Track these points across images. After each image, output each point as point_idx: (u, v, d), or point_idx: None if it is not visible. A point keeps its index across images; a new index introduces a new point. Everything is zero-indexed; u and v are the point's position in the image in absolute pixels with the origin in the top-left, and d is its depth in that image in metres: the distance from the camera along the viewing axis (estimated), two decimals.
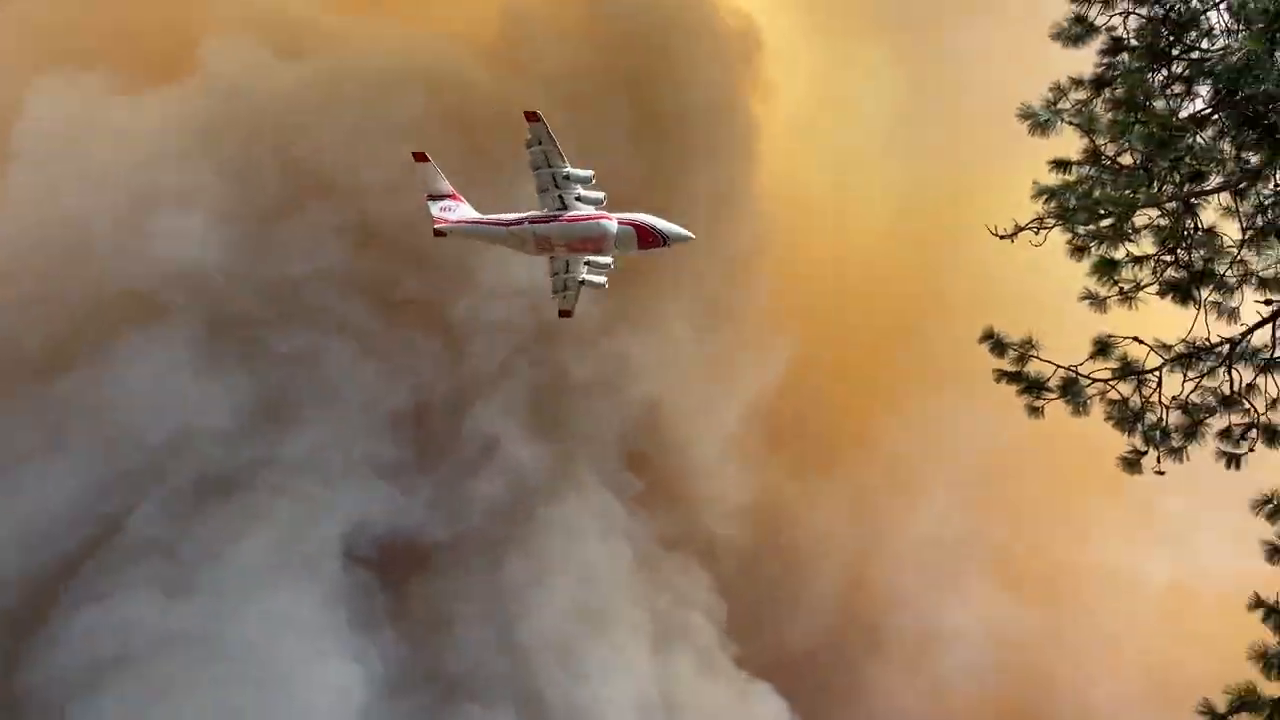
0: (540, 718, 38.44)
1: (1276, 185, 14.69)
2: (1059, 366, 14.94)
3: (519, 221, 33.50)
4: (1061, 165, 15.48)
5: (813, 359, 44.21)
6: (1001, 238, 15.58)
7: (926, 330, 41.84)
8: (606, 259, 34.37)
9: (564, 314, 36.11)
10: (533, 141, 31.34)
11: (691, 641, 41.30)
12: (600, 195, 33.09)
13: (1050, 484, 41.95)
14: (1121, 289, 15.29)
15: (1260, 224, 14.80)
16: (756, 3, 44.78)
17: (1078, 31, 16.04)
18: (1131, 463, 15.13)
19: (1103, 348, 14.98)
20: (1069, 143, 15.26)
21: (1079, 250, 15.72)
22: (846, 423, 46.37)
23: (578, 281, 35.13)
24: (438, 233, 33.89)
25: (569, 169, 32.37)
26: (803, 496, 45.62)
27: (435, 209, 33.42)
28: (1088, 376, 14.92)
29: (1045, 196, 15.17)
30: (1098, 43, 15.87)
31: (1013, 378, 15.39)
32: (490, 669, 39.19)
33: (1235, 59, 13.78)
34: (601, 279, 35.11)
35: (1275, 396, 14.31)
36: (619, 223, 33.35)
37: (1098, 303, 15.56)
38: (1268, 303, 14.14)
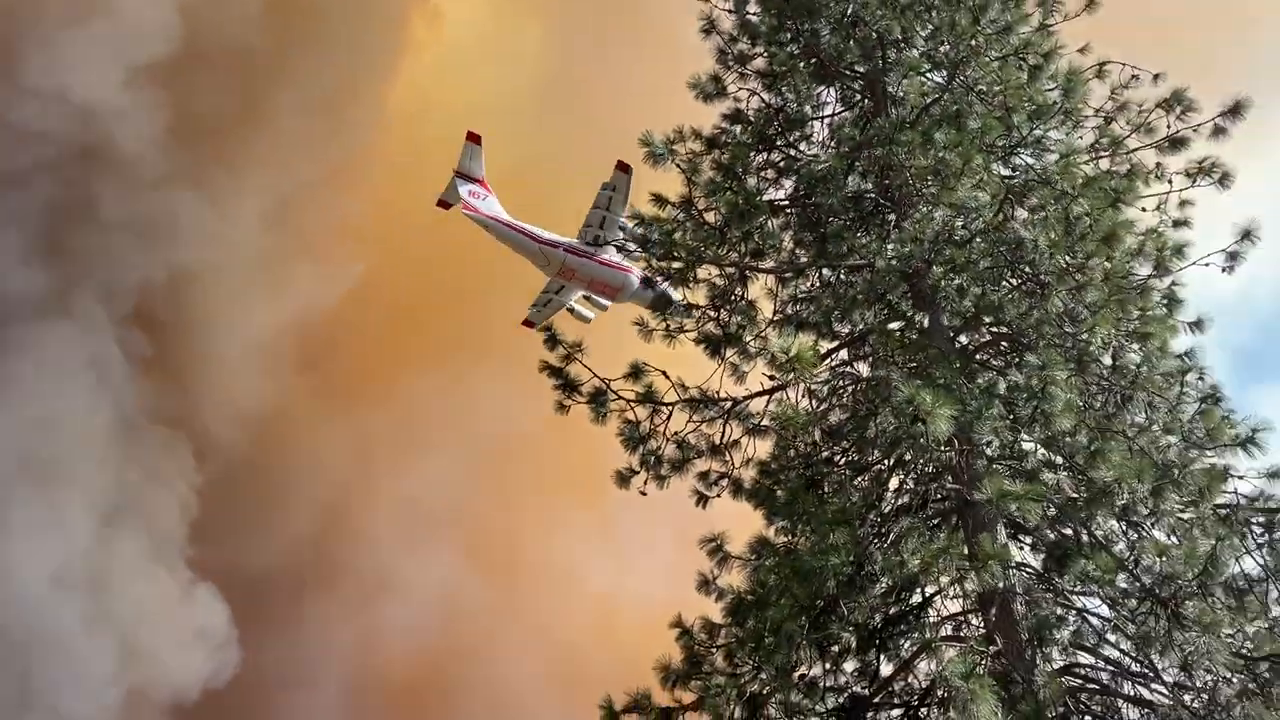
0: None
1: (812, 285, 17.08)
2: (595, 375, 15.91)
3: (554, 244, 32.37)
4: (659, 200, 16.74)
5: (372, 292, 43.20)
6: (587, 243, 16.45)
7: (495, 302, 42.66)
8: (606, 302, 34.24)
9: (529, 324, 35.03)
10: (609, 185, 30.72)
11: (148, 526, 37.71)
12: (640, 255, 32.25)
13: (543, 477, 44.60)
14: (668, 327, 16.82)
15: (789, 312, 17.13)
16: None
17: (711, 90, 17.51)
18: (625, 478, 16.49)
19: (635, 372, 16.19)
20: (672, 182, 16.52)
21: (648, 281, 17.05)
22: (382, 365, 45.83)
23: (563, 306, 34.50)
24: (443, 204, 32.33)
25: (624, 220, 31.25)
26: (313, 423, 44.28)
27: (463, 190, 32.14)
28: (615, 392, 16.03)
29: (636, 221, 16.27)
30: (723, 106, 17.45)
31: (554, 373, 16.12)
32: None
33: (819, 169, 15.84)
34: (591, 314, 34.65)
35: (750, 457, 16.35)
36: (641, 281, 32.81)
37: (645, 332, 16.96)
38: (771, 378, 16.18)
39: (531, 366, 16.08)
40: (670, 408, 16.27)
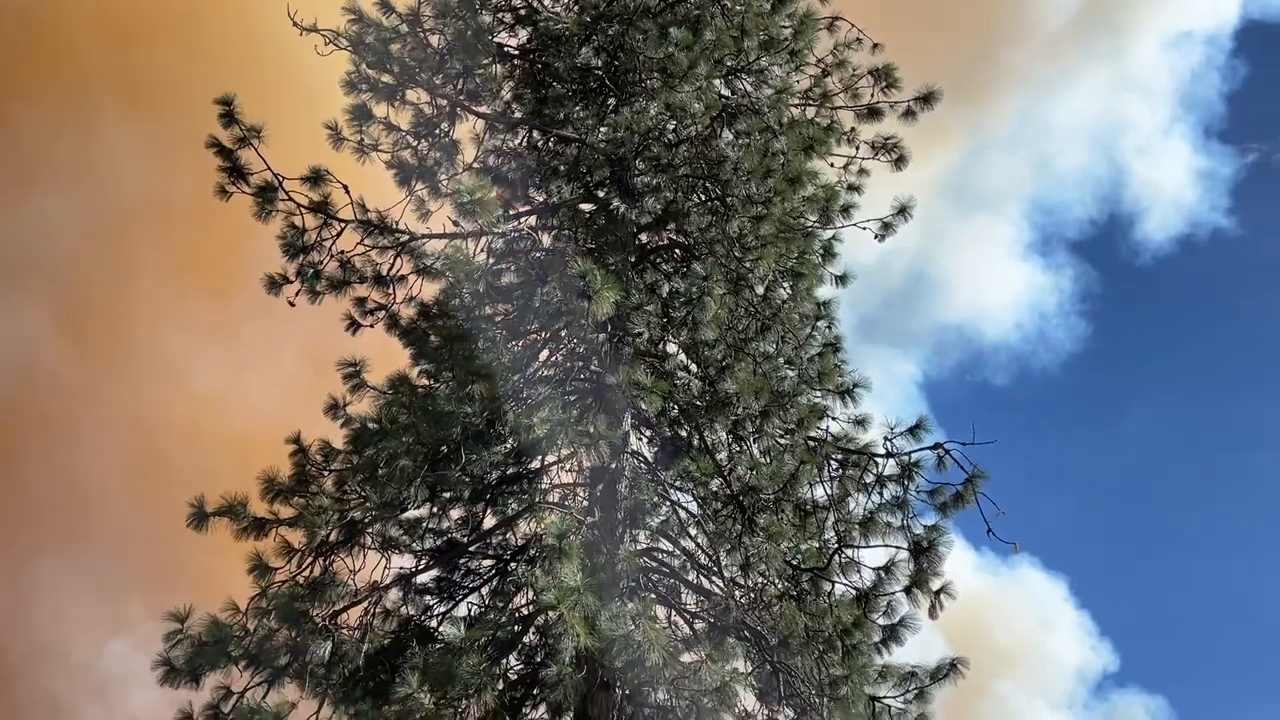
0: None
1: (519, 143, 16.85)
2: (269, 169, 14.71)
3: None
4: (385, 5, 15.63)
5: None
6: (295, 25, 15.02)
7: (169, 49, 37.38)
8: None
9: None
10: None
11: None
12: None
13: (172, 256, 40.30)
14: (361, 141, 15.92)
15: (489, 164, 16.84)
16: None
17: None
18: (276, 284, 15.55)
19: (315, 177, 15.16)
20: None
21: (350, 85, 15.96)
22: None
23: None
24: None
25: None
26: None
27: None
28: (287, 193, 14.94)
29: (353, 17, 15.11)
30: None
31: (223, 153, 14.72)
32: None
33: (556, 28, 15.51)
34: None
35: (413, 295, 16.04)
36: None
37: (337, 139, 15.96)
38: (455, 224, 15.84)
39: (192, 134, 14.59)
40: (344, 225, 15.49)
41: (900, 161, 17.52)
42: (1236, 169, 47.64)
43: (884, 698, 13.19)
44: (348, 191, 15.28)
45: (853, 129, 17.69)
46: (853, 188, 17.66)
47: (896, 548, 13.50)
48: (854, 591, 13.45)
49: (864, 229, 16.86)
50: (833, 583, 13.37)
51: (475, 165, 16.31)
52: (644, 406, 13.62)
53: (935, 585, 13.34)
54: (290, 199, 14.96)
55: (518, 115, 16.37)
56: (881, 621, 13.40)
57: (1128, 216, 50.25)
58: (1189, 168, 48.14)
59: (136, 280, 40.52)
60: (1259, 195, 48.22)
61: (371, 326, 16.32)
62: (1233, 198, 47.37)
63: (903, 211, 16.73)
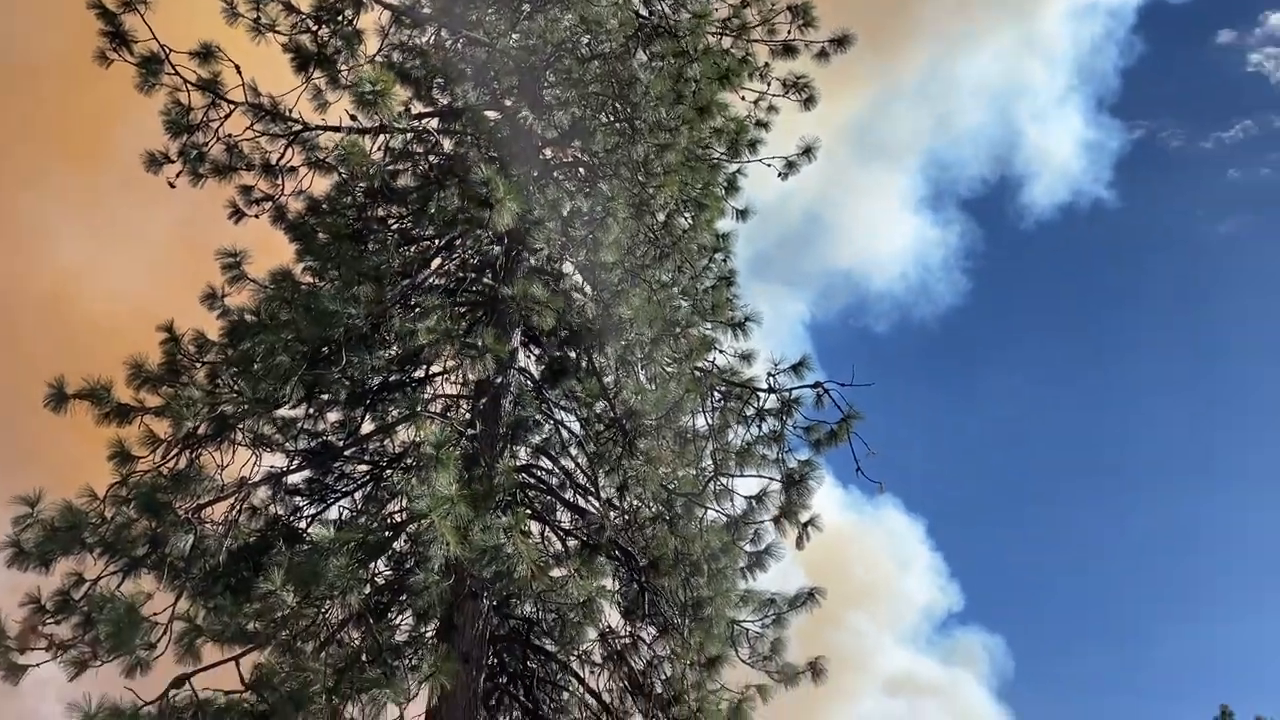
0: None
1: (426, 41, 16.21)
2: (156, 39, 13.79)
3: None
4: None
5: None
6: None
7: None
8: None
9: None
10: None
11: None
12: None
13: (36, 120, 37.63)
14: (258, 20, 15.04)
15: (394, 59, 16.18)
16: None
17: None
18: (156, 162, 14.82)
19: (205, 53, 14.36)
20: None
21: None
22: None
23: None
24: None
25: None
26: None
27: None
28: (174, 66, 14.10)
29: None
30: None
31: (106, 16, 13.79)
32: None
33: None
34: None
35: (303, 189, 15.46)
36: None
37: (231, 14, 15.06)
38: (353, 119, 15.23)
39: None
40: (233, 107, 14.73)
41: (810, 101, 17.54)
42: (1122, 143, 49.70)
43: (744, 621, 13.66)
44: (239, 72, 14.52)
45: (766, 64, 17.60)
46: (761, 123, 17.65)
47: (770, 479, 13.87)
48: (725, 518, 13.79)
49: (768, 165, 16.94)
50: (705, 509, 13.68)
51: (378, 59, 15.63)
52: (536, 322, 13.49)
53: (803, 517, 13.79)
54: (177, 73, 14.14)
55: (427, 11, 15.76)
56: (748, 549, 13.80)
57: (1017, 179, 52.07)
58: (1078, 138, 49.97)
59: None
60: (1141, 171, 50.50)
61: (256, 217, 15.70)
62: (1116, 171, 49.51)
63: (808, 152, 16.84)
